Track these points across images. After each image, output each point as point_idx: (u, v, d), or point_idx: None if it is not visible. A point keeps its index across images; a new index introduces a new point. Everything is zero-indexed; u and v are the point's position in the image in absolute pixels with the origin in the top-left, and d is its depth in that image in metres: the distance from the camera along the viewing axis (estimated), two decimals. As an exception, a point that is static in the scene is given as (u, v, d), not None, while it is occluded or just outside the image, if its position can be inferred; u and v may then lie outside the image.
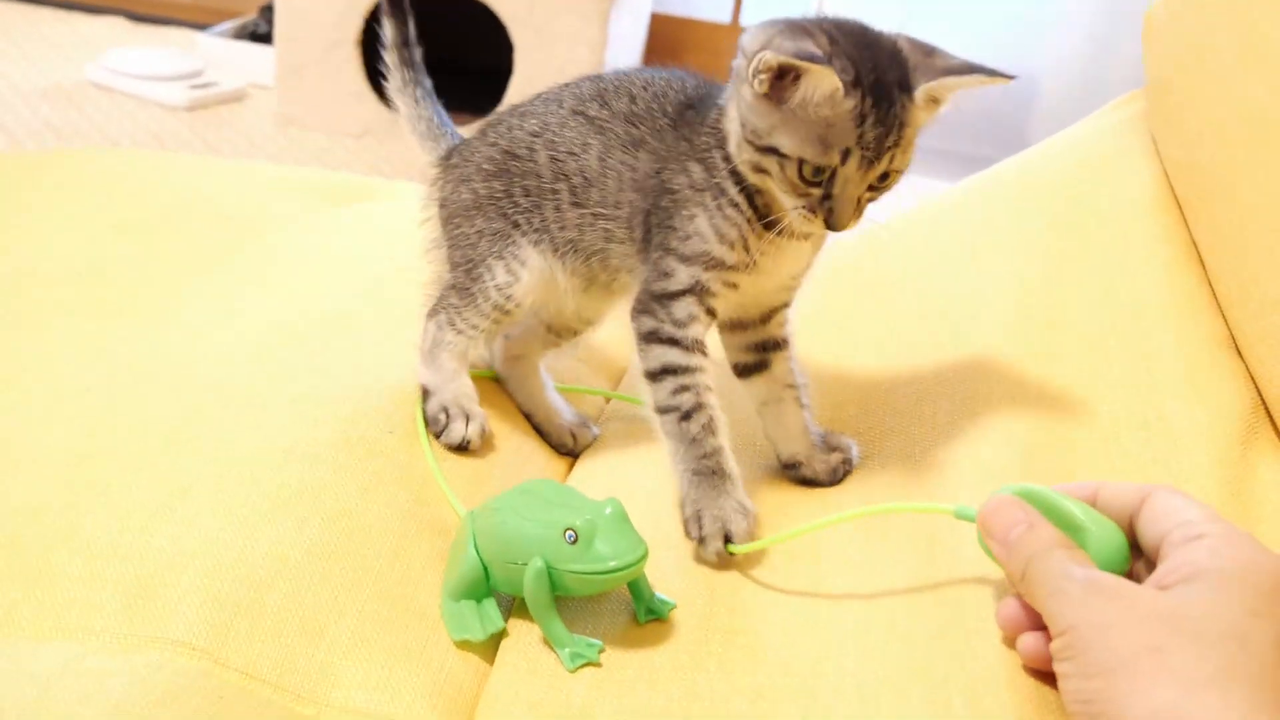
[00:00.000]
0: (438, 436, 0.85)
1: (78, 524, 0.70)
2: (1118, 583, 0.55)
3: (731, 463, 0.76)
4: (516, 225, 0.85)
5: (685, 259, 0.77)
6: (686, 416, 0.76)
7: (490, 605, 0.70)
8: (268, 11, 3.10)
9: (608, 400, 1.03)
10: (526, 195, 0.84)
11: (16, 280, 0.99)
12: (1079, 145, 1.10)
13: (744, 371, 0.85)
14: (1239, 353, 0.83)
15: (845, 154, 0.69)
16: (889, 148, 0.69)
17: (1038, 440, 0.78)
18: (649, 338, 0.78)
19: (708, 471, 0.75)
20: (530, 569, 0.65)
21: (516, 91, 2.72)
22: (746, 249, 0.76)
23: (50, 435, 0.79)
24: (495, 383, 0.96)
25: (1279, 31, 0.82)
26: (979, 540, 0.63)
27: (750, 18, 3.37)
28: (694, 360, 0.77)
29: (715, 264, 0.76)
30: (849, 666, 0.64)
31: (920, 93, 0.69)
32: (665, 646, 0.67)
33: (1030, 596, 0.58)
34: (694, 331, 0.78)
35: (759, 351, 0.84)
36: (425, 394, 0.87)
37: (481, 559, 0.69)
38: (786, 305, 0.84)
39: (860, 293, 1.02)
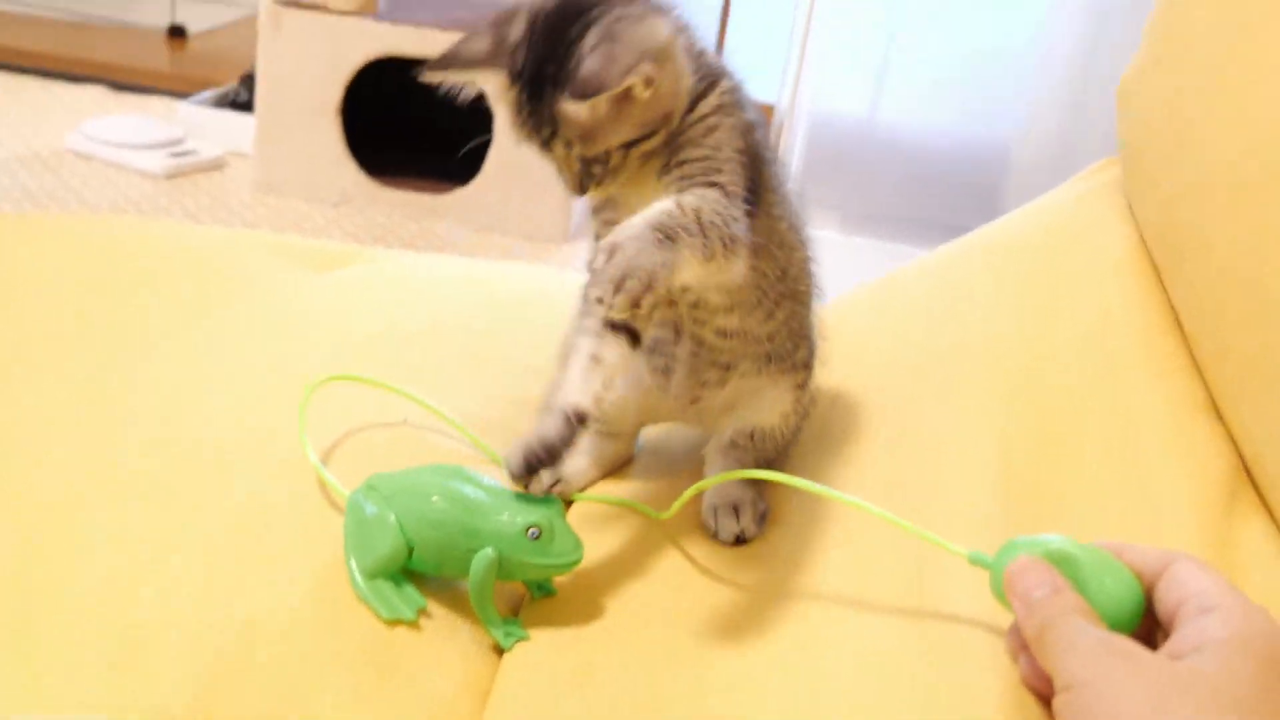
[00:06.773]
0: None
1: (59, 587, 0.69)
2: (1131, 645, 0.55)
3: None
4: None
5: None
6: None
7: (409, 586, 0.72)
8: (249, 80, 3.12)
9: None
10: None
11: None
12: (1054, 210, 1.11)
13: None
14: (1219, 416, 0.83)
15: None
16: (550, 136, 0.73)
17: (1024, 491, 0.79)
18: None
19: None
20: (482, 557, 0.68)
21: (496, 159, 2.72)
22: None
23: (30, 495, 0.78)
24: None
25: (1250, 93, 0.84)
26: (992, 587, 0.63)
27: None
28: None
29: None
30: (837, 676, 0.63)
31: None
32: (637, 641, 0.68)
33: (1042, 656, 0.58)
34: None
35: None
36: None
37: (407, 539, 0.71)
38: None
39: (831, 349, 1.01)
